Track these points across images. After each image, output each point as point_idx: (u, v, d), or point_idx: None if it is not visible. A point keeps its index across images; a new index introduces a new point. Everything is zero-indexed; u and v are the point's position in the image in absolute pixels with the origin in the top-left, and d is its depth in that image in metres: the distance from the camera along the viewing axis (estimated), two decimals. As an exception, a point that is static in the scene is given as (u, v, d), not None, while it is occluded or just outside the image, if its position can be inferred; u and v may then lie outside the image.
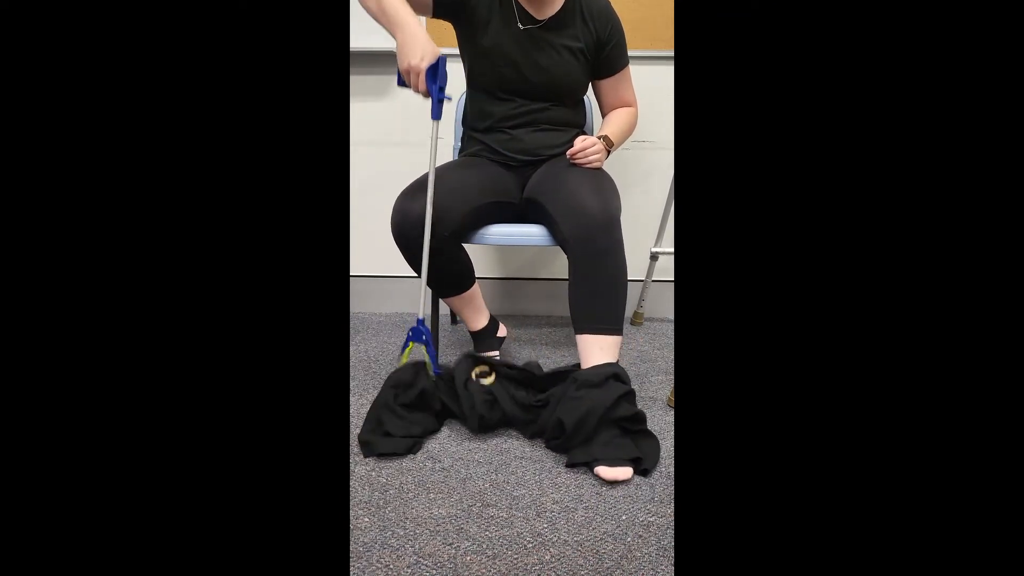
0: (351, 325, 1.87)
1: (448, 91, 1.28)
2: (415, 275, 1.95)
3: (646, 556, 0.93)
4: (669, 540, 0.97)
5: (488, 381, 1.27)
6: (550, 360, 1.63)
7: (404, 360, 1.31)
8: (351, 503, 1.05)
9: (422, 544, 0.95)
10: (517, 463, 1.17)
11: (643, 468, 1.13)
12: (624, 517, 1.02)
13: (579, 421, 1.14)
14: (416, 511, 1.03)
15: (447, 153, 1.86)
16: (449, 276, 1.40)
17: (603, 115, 1.53)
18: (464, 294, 1.46)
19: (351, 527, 0.99)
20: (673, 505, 1.06)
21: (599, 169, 1.37)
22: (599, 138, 1.38)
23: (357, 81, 1.83)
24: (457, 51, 1.47)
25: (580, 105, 1.51)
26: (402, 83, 1.21)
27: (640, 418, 1.19)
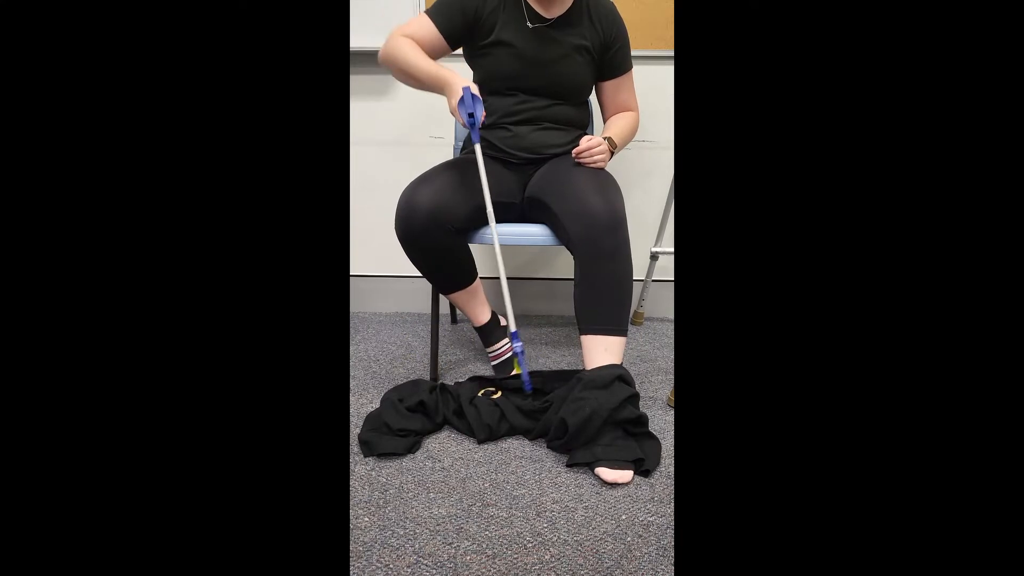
0: (352, 325, 1.87)
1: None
2: (415, 275, 1.96)
3: (646, 556, 0.93)
4: (669, 540, 0.97)
5: (496, 396, 1.27)
6: (550, 360, 1.63)
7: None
8: (351, 503, 1.05)
9: (422, 544, 0.95)
10: (517, 463, 1.17)
11: (644, 469, 1.13)
12: (624, 517, 1.02)
13: (583, 423, 1.13)
14: (416, 511, 1.03)
15: (447, 152, 1.86)
16: (456, 272, 1.39)
17: (605, 118, 1.53)
18: (468, 288, 1.45)
19: (351, 527, 0.99)
20: (673, 505, 1.06)
21: (603, 170, 1.37)
22: (604, 139, 1.37)
23: (357, 80, 1.83)
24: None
25: (584, 106, 1.51)
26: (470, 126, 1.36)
27: (643, 420, 1.19)
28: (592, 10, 1.40)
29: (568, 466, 1.16)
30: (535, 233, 1.39)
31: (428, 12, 1.36)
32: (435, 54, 1.38)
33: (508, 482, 1.11)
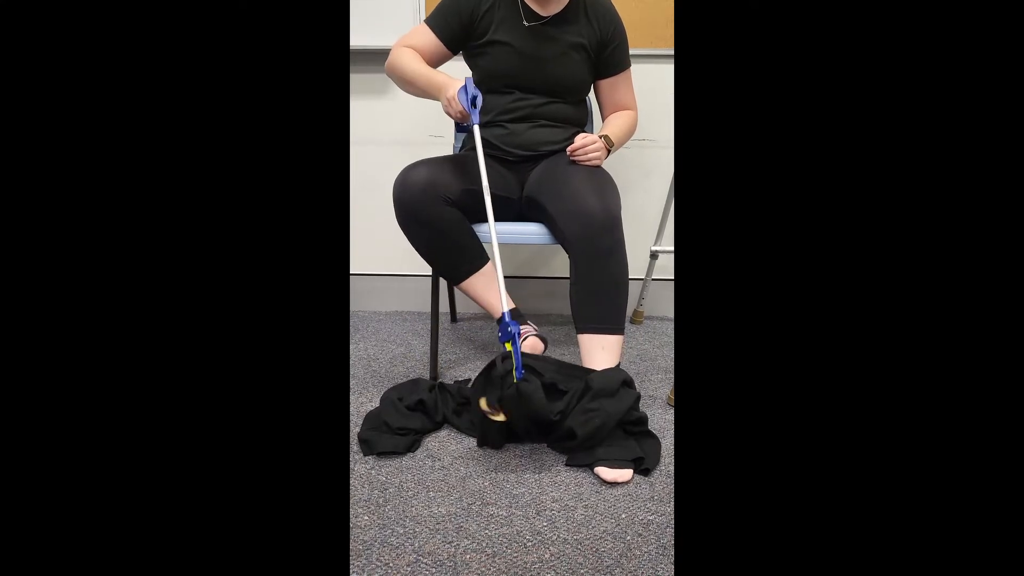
0: (352, 324, 1.87)
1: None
2: (414, 273, 1.96)
3: (646, 554, 0.93)
4: (668, 538, 0.97)
5: (498, 419, 1.16)
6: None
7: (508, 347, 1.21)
8: (351, 501, 1.05)
9: (422, 542, 0.95)
10: (517, 461, 1.17)
11: (644, 468, 1.13)
12: (624, 515, 1.02)
13: (592, 433, 1.12)
14: (416, 509, 1.03)
15: (446, 151, 1.85)
16: (459, 252, 1.34)
17: (603, 117, 1.53)
18: (480, 273, 1.38)
19: (351, 525, 0.99)
20: (673, 503, 1.06)
21: (599, 168, 1.37)
22: (600, 137, 1.37)
23: (357, 80, 1.83)
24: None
25: (582, 104, 1.50)
26: (461, 128, 1.44)
27: (643, 420, 1.19)
28: (589, 8, 1.40)
29: (567, 465, 1.16)
30: (532, 232, 1.39)
31: (427, 20, 1.41)
32: (438, 60, 1.42)
33: (508, 481, 1.11)
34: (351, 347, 1.69)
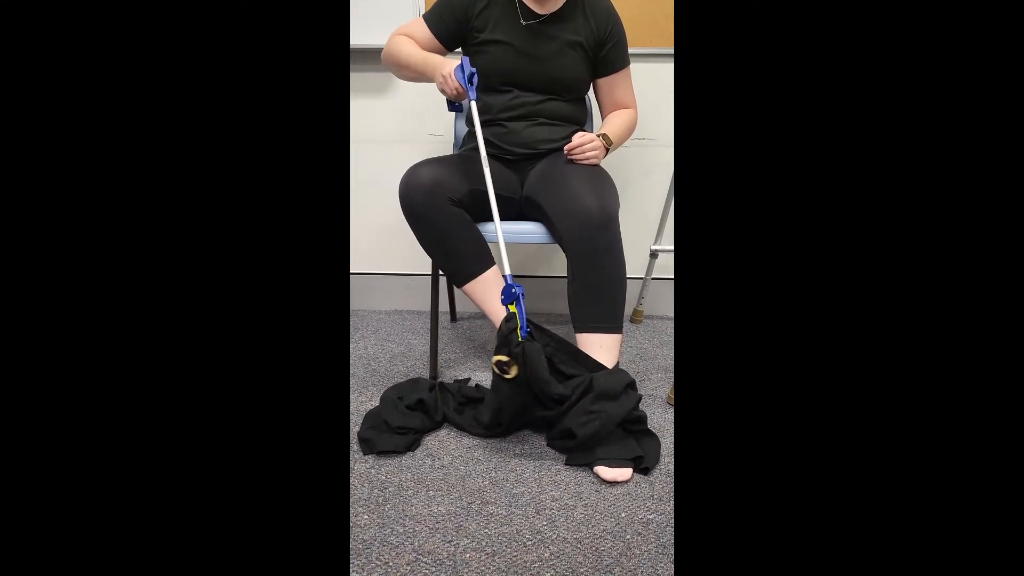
0: (352, 323, 1.87)
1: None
2: (414, 272, 1.96)
3: (645, 553, 0.93)
4: (668, 537, 0.97)
5: (512, 374, 1.15)
6: (550, 358, 1.63)
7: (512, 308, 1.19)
8: (351, 500, 1.05)
9: (421, 541, 0.95)
10: (516, 461, 1.17)
11: (643, 467, 1.13)
12: (623, 515, 1.02)
13: (591, 435, 1.12)
14: (415, 508, 1.03)
15: (446, 150, 1.85)
16: (465, 254, 1.33)
17: (602, 116, 1.53)
18: (481, 278, 1.36)
19: (351, 524, 0.99)
20: (672, 502, 1.06)
21: (597, 167, 1.37)
22: (598, 136, 1.37)
23: (357, 78, 1.83)
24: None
25: (581, 103, 1.50)
26: (453, 107, 1.43)
27: (642, 419, 1.19)
28: (587, 6, 1.40)
29: (567, 464, 1.16)
30: (531, 231, 1.39)
31: (424, 16, 1.43)
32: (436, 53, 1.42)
33: (507, 480, 1.11)
34: (351, 346, 1.69)
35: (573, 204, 1.24)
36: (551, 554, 0.93)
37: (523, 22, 1.38)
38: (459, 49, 1.46)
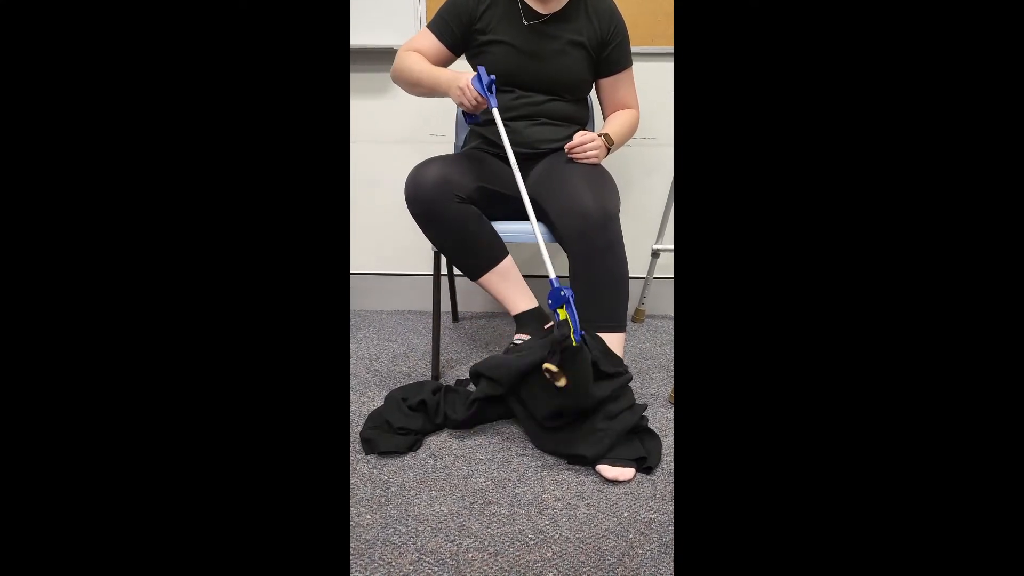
0: (353, 323, 1.87)
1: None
2: (416, 273, 1.96)
3: (648, 553, 0.93)
4: (671, 537, 0.97)
5: (562, 383, 1.13)
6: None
7: (563, 315, 1.16)
8: (353, 500, 1.05)
9: (424, 541, 0.95)
10: (519, 460, 1.17)
11: (646, 466, 1.13)
12: (626, 514, 1.02)
13: (601, 453, 1.13)
14: (418, 508, 1.03)
15: (448, 150, 1.85)
16: (477, 248, 1.34)
17: (604, 116, 1.53)
18: (497, 269, 1.36)
19: (353, 524, 0.99)
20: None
21: (598, 166, 1.37)
22: (600, 135, 1.37)
23: (358, 79, 1.83)
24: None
25: (583, 103, 1.50)
26: (470, 119, 1.42)
27: (644, 418, 1.20)
28: (589, 6, 1.40)
29: (569, 464, 1.16)
30: (532, 231, 1.39)
31: (428, 25, 1.43)
32: (442, 64, 1.43)
33: (510, 479, 1.11)
34: (353, 346, 1.69)
35: (572, 203, 1.24)
36: (554, 554, 0.93)
37: (525, 22, 1.38)
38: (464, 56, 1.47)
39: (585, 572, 0.90)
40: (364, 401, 1.38)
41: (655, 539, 0.96)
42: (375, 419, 1.25)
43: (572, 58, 1.39)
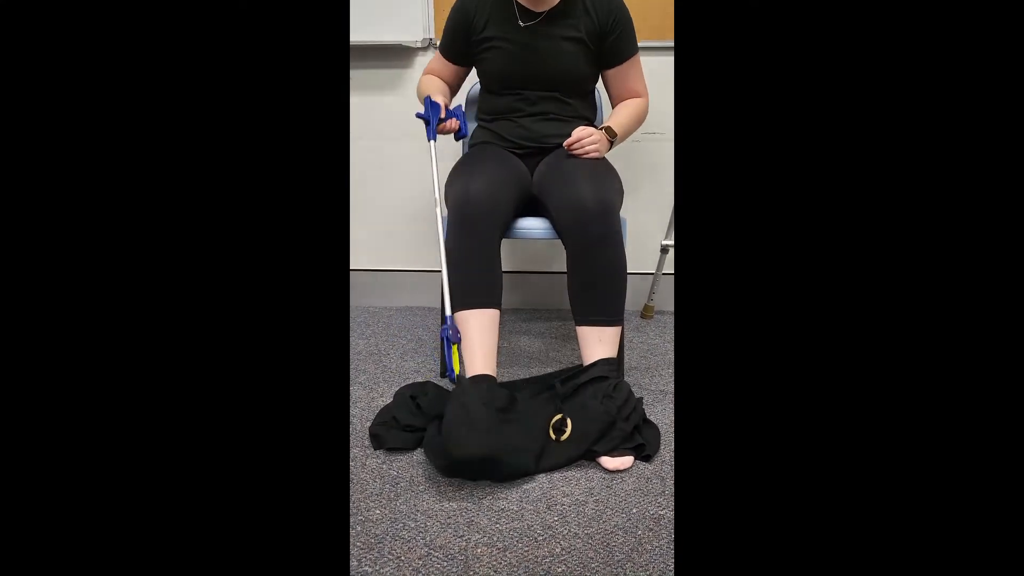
0: (363, 319, 1.88)
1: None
2: (424, 269, 1.96)
3: (656, 549, 0.93)
4: (680, 533, 0.97)
5: (565, 435, 1.14)
6: (560, 354, 1.63)
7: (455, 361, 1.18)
8: (363, 496, 1.05)
9: (433, 536, 0.96)
10: (527, 456, 1.17)
11: (645, 454, 1.15)
12: (635, 510, 1.02)
13: (611, 449, 1.14)
14: (427, 503, 1.03)
15: (452, 146, 1.85)
16: (489, 278, 1.26)
17: (613, 106, 1.52)
18: (487, 311, 1.26)
19: (363, 519, 0.99)
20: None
21: (601, 160, 1.37)
22: (602, 129, 1.37)
23: (363, 75, 1.83)
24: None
25: (588, 97, 1.50)
26: (459, 136, 1.46)
27: (639, 411, 1.21)
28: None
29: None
30: (536, 227, 1.39)
31: (438, 47, 1.51)
32: (457, 79, 1.51)
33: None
34: (363, 343, 1.70)
35: (570, 195, 1.24)
36: (562, 549, 0.93)
37: (520, 23, 1.38)
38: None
39: (594, 568, 0.90)
40: (373, 397, 1.38)
41: (664, 536, 0.96)
42: (384, 415, 1.26)
43: (570, 55, 1.39)
